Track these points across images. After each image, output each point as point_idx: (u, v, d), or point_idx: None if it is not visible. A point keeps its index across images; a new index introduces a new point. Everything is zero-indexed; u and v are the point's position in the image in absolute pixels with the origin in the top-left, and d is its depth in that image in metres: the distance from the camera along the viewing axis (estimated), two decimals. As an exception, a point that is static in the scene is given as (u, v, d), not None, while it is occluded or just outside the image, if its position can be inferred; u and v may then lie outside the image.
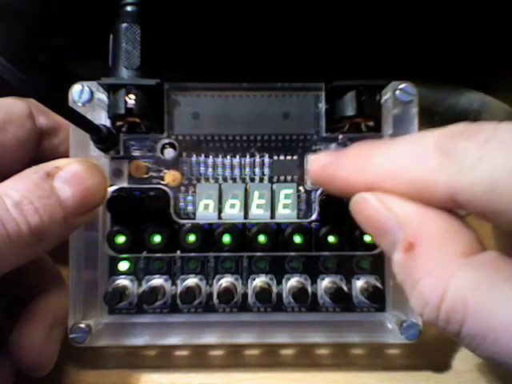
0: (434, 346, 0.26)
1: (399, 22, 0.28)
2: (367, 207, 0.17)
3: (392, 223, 0.16)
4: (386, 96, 0.23)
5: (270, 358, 0.25)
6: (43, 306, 0.23)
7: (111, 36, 0.23)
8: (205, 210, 0.24)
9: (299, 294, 0.22)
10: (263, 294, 0.22)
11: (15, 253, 0.18)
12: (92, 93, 0.23)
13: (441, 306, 0.14)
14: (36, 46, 0.28)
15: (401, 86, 0.23)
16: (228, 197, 0.24)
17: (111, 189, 0.23)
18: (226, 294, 0.22)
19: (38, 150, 0.25)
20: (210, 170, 0.24)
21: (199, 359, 0.25)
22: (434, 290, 0.14)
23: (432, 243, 0.15)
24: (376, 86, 0.23)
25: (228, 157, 0.24)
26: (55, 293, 0.24)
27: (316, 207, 0.24)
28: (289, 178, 0.24)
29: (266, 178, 0.24)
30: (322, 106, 0.24)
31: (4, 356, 0.21)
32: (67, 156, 0.23)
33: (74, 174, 0.20)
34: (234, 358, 0.25)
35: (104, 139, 0.22)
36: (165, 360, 0.25)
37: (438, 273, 0.14)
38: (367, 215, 0.17)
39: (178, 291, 0.23)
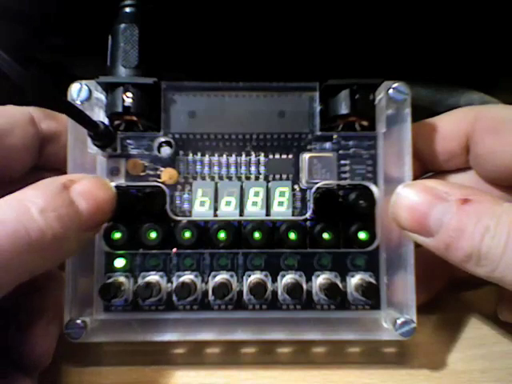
0: (434, 346, 0.27)
1: (400, 22, 0.30)
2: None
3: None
4: (380, 95, 0.25)
5: (271, 358, 0.26)
6: (41, 302, 0.24)
7: (110, 36, 0.25)
8: (201, 208, 0.25)
9: (293, 288, 0.24)
10: (258, 289, 0.24)
11: (37, 259, 0.19)
12: (90, 91, 0.24)
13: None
14: (35, 46, 0.29)
15: (394, 85, 0.24)
16: (224, 195, 0.25)
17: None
18: (221, 289, 0.24)
19: (41, 155, 0.26)
20: (206, 168, 0.26)
21: (199, 358, 0.26)
22: None
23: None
24: (369, 84, 0.24)
25: (224, 155, 0.26)
26: (52, 289, 0.25)
27: (311, 205, 0.25)
28: (284, 176, 0.26)
29: (261, 176, 0.26)
30: (317, 105, 0.25)
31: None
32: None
33: (88, 187, 0.21)
34: (235, 358, 0.26)
35: (101, 135, 0.23)
36: (164, 359, 0.26)
37: None
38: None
39: (173, 287, 0.25)
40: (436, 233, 0.21)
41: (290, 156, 0.26)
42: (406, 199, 0.22)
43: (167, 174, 0.26)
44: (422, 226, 0.21)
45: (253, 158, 0.26)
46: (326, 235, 0.24)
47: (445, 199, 0.21)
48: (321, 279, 0.25)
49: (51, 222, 0.19)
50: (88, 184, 0.21)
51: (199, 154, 0.26)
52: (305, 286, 0.25)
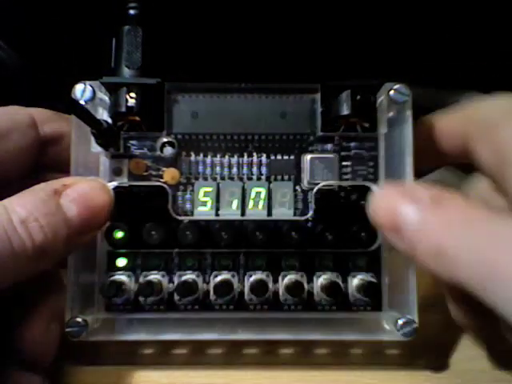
0: (434, 346, 0.28)
1: (400, 23, 0.31)
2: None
3: None
4: (381, 97, 0.25)
5: (271, 358, 0.27)
6: (42, 301, 0.25)
7: (114, 38, 0.26)
8: (202, 208, 0.26)
9: (293, 286, 0.24)
10: (259, 286, 0.24)
11: (19, 267, 0.20)
12: (94, 92, 0.25)
13: None
14: (38, 45, 0.30)
15: (395, 87, 0.25)
16: (225, 195, 0.26)
17: (111, 185, 0.25)
18: (222, 287, 0.24)
19: (41, 156, 0.27)
20: (209, 168, 0.26)
21: (200, 358, 0.27)
22: None
23: None
24: (370, 86, 0.25)
25: (226, 156, 0.26)
26: (53, 289, 0.26)
27: (312, 205, 0.26)
28: (286, 176, 0.26)
29: (263, 176, 0.26)
30: (318, 106, 0.26)
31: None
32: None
33: (81, 192, 0.22)
34: (235, 358, 0.27)
35: (104, 133, 0.24)
36: (165, 359, 0.27)
37: None
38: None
39: (175, 286, 0.25)
40: (404, 233, 0.20)
41: (292, 157, 0.26)
42: (379, 200, 0.21)
43: (169, 174, 0.26)
44: (392, 227, 0.20)
45: (254, 158, 0.26)
46: (327, 235, 0.25)
47: (415, 201, 0.20)
48: (322, 279, 0.25)
49: (32, 233, 0.20)
50: (82, 188, 0.22)
51: (201, 154, 0.26)
52: (306, 287, 0.25)
